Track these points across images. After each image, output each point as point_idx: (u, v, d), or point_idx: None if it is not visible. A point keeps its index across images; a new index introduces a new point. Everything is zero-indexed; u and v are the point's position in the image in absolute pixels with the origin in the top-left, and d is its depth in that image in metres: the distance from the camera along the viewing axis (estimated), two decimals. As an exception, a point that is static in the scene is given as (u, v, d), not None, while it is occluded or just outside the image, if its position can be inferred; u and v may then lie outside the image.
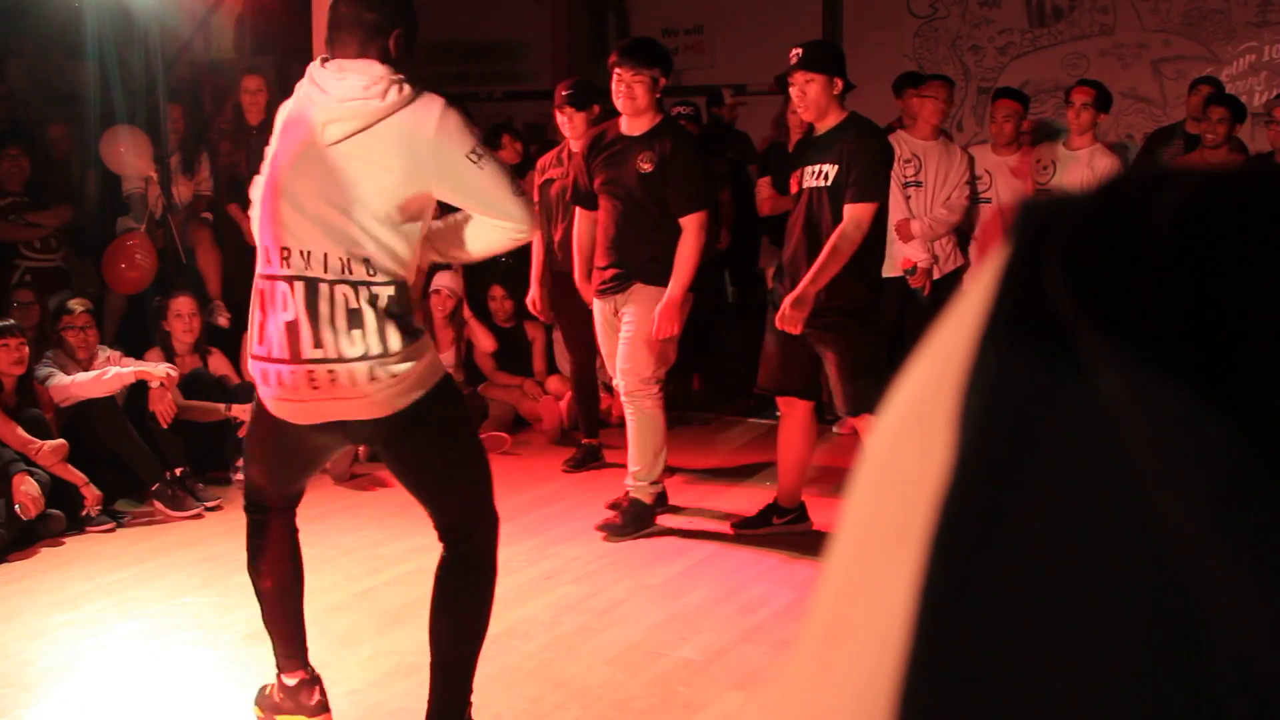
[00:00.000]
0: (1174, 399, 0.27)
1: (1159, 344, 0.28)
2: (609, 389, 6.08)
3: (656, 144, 4.76)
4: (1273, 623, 0.25)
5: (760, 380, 4.79)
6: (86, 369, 5.37)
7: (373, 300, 2.71)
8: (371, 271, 2.72)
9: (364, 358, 2.70)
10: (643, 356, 4.80)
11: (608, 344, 5.02)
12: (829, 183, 4.41)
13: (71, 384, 5.16)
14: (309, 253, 2.73)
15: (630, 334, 4.82)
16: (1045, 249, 0.30)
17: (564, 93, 5.48)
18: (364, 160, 2.71)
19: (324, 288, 2.71)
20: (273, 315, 2.76)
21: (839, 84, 4.42)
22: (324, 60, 2.83)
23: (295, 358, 2.73)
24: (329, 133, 2.72)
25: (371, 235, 2.71)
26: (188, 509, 5.18)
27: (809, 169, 4.49)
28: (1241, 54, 7.90)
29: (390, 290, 2.74)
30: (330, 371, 2.71)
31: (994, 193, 6.05)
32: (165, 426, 5.23)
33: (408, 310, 2.79)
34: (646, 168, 4.74)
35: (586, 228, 5.10)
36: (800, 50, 4.46)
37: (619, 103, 4.78)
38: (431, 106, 2.73)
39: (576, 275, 5.20)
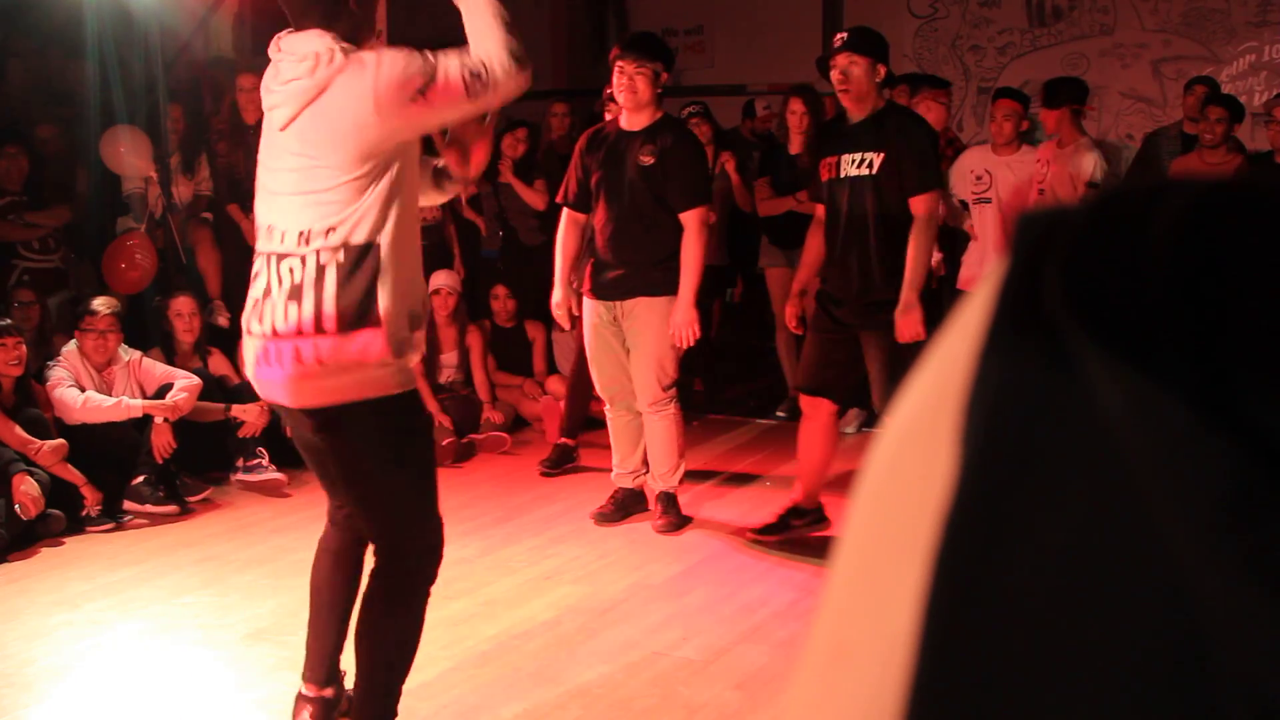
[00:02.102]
0: (1173, 413, 0.27)
1: (1158, 357, 0.28)
2: (595, 396, 6.09)
3: (658, 138, 4.75)
4: (1275, 638, 0.25)
5: (796, 378, 4.78)
6: (103, 372, 5.35)
7: (320, 271, 2.65)
8: (333, 242, 2.66)
9: (297, 334, 2.66)
10: (660, 367, 4.82)
11: (598, 348, 4.94)
12: (874, 171, 4.36)
13: (76, 409, 5.14)
14: (281, 230, 2.73)
15: (642, 350, 4.80)
16: (1045, 260, 0.30)
17: (609, 93, 5.47)
18: (313, 139, 2.68)
19: (281, 261, 2.71)
20: (251, 291, 2.81)
21: (882, 70, 4.39)
22: (286, 34, 2.80)
23: (248, 332, 2.78)
24: (275, 119, 2.73)
25: (336, 203, 2.66)
26: (161, 505, 5.15)
27: (847, 157, 4.42)
28: (1241, 54, 7.90)
29: (340, 256, 2.65)
30: (264, 348, 2.72)
31: (994, 193, 6.05)
32: (160, 462, 5.21)
33: (367, 281, 2.65)
34: (648, 160, 4.73)
35: (574, 232, 5.01)
36: (846, 34, 4.46)
37: (620, 96, 4.78)
38: (362, 75, 2.64)
39: (558, 280, 5.02)
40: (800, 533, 4.77)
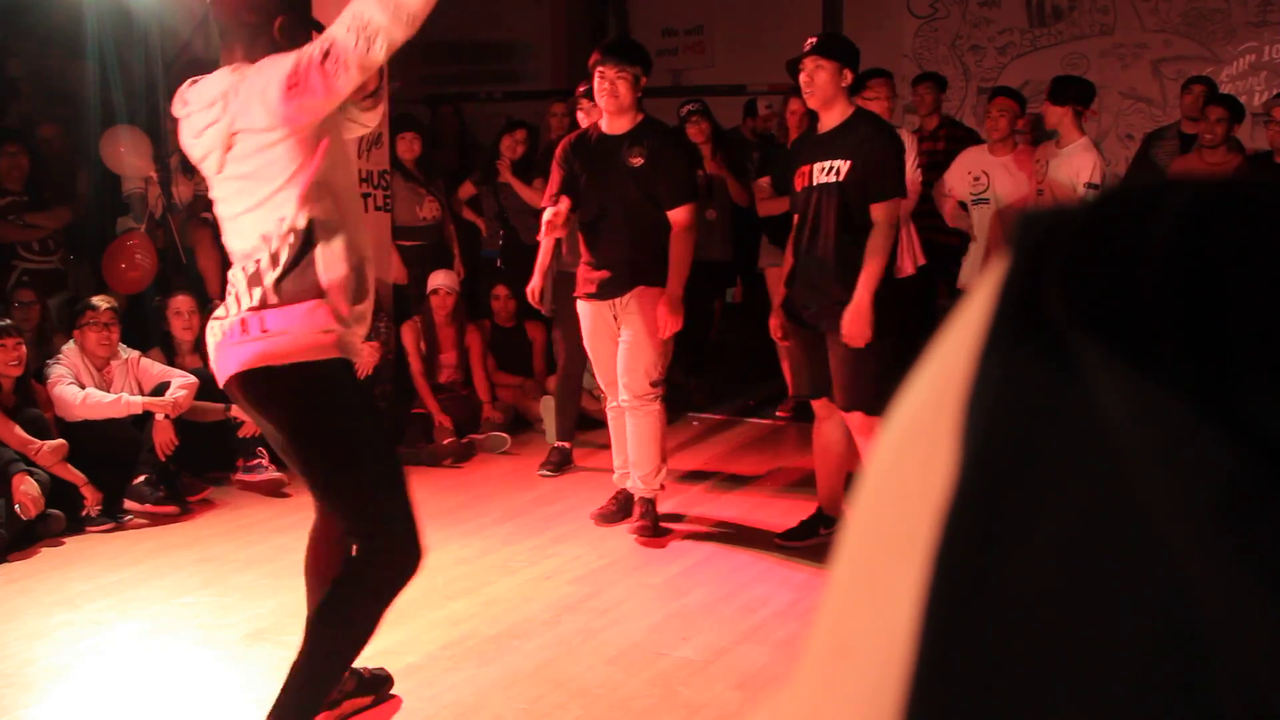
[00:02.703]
0: (1172, 411, 0.27)
1: (1157, 355, 0.28)
2: (595, 396, 6.10)
3: (645, 140, 4.81)
4: (1272, 635, 0.25)
5: (796, 388, 4.80)
6: (102, 370, 5.35)
7: (274, 259, 2.80)
8: (284, 229, 2.79)
9: (251, 311, 2.81)
10: (649, 359, 4.83)
11: (599, 349, 4.97)
12: (841, 178, 4.40)
13: (76, 406, 5.14)
14: (244, 249, 2.87)
15: (634, 339, 4.82)
16: (1045, 259, 0.31)
17: (581, 90, 5.53)
18: (245, 160, 2.79)
19: (244, 264, 2.87)
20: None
21: (849, 76, 4.43)
22: (187, 86, 2.92)
23: (210, 334, 3.00)
24: (209, 169, 2.88)
25: (283, 200, 2.77)
26: (161, 505, 5.14)
27: (818, 165, 4.47)
28: (1241, 54, 7.91)
29: (291, 240, 2.78)
30: (221, 329, 2.91)
31: (991, 193, 6.06)
32: (163, 459, 5.20)
33: (309, 257, 2.77)
34: (638, 161, 4.78)
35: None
36: (815, 38, 4.51)
37: (602, 101, 4.81)
38: (253, 91, 2.73)
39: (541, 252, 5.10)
40: (827, 540, 4.71)
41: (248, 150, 2.78)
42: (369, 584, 2.84)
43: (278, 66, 2.72)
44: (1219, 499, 0.26)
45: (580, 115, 5.56)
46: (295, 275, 2.78)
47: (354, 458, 2.82)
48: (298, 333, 2.76)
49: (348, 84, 2.70)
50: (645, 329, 4.80)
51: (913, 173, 5.87)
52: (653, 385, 4.86)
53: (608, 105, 4.80)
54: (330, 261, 2.79)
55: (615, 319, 4.90)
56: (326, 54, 2.66)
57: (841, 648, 0.35)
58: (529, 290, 5.65)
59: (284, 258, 2.78)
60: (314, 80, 2.67)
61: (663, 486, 5.02)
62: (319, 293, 2.77)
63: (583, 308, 5.00)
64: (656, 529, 4.92)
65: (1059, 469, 0.29)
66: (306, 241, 2.78)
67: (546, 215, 4.87)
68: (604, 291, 4.88)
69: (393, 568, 2.83)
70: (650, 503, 4.96)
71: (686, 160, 5.03)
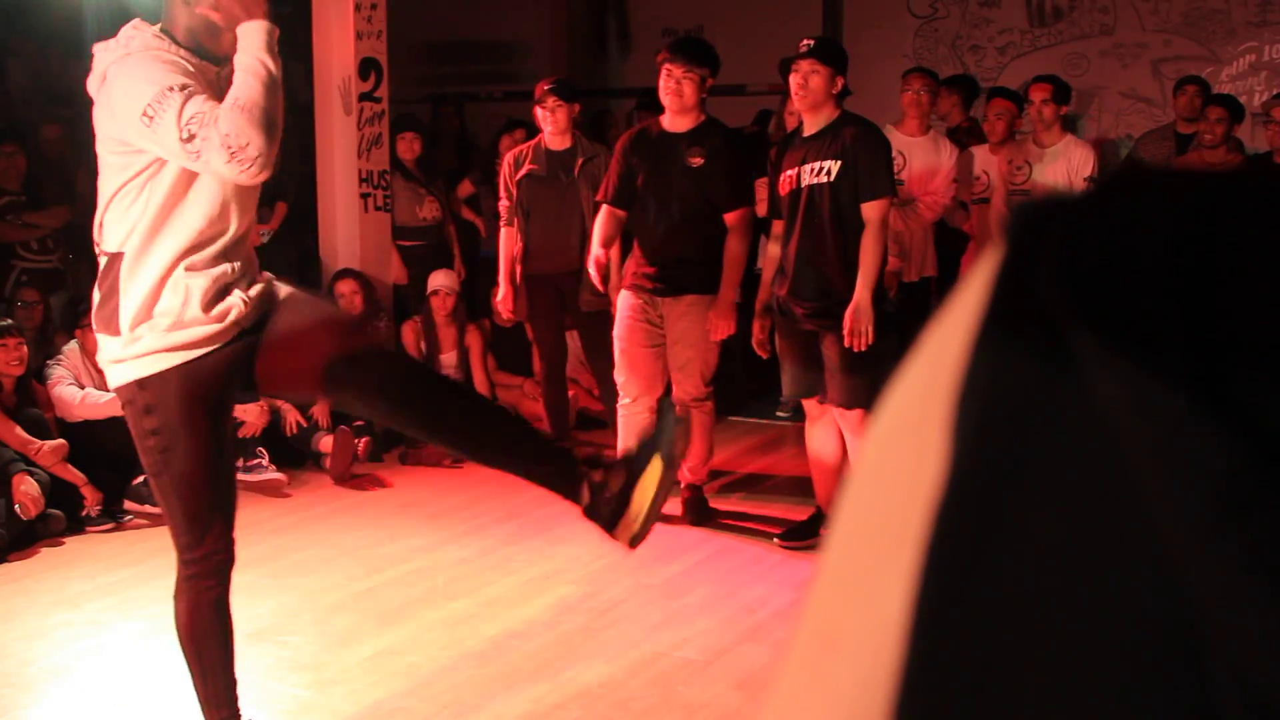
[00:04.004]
0: (1171, 405, 0.27)
1: (1156, 348, 0.27)
2: (595, 396, 6.12)
3: (706, 140, 4.82)
4: (1270, 631, 0.25)
5: (786, 389, 4.84)
6: (101, 372, 5.35)
7: (96, 269, 2.72)
8: (97, 238, 2.70)
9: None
10: (706, 362, 4.91)
11: (632, 349, 4.95)
12: (831, 178, 4.42)
13: (76, 406, 5.14)
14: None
15: (689, 347, 4.87)
16: (1040, 250, 0.30)
17: (547, 87, 5.55)
18: (99, 131, 2.69)
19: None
20: None
21: (840, 83, 4.46)
22: None
23: None
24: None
25: (104, 200, 2.69)
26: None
27: (806, 167, 4.49)
28: (1241, 54, 7.90)
29: (101, 260, 2.67)
30: None
31: (991, 192, 6.05)
32: None
33: (111, 290, 2.62)
34: (697, 161, 4.80)
35: (612, 224, 5.02)
36: (811, 41, 4.52)
37: (666, 99, 4.82)
38: (122, 71, 2.57)
39: (593, 268, 5.05)
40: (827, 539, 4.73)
41: (102, 114, 2.62)
42: (182, 595, 2.79)
43: (144, 86, 2.52)
44: (1218, 495, 0.26)
45: (543, 113, 5.54)
46: (100, 304, 2.66)
47: (158, 477, 2.72)
48: (111, 364, 2.69)
49: (191, 161, 2.54)
50: (698, 336, 4.86)
51: (949, 186, 5.82)
52: (708, 385, 4.96)
53: (671, 104, 4.81)
54: (136, 310, 2.61)
55: (661, 317, 4.91)
56: (192, 136, 2.52)
57: (830, 641, 0.35)
58: (498, 302, 5.78)
59: (99, 277, 2.66)
60: (170, 131, 2.52)
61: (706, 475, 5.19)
62: (115, 330, 2.65)
63: (625, 298, 4.99)
64: (705, 513, 5.08)
65: (1054, 464, 0.29)
66: (109, 272, 2.64)
67: (595, 259, 4.93)
68: (654, 288, 4.89)
69: (190, 583, 2.78)
70: (698, 488, 5.11)
71: (745, 163, 5.04)
